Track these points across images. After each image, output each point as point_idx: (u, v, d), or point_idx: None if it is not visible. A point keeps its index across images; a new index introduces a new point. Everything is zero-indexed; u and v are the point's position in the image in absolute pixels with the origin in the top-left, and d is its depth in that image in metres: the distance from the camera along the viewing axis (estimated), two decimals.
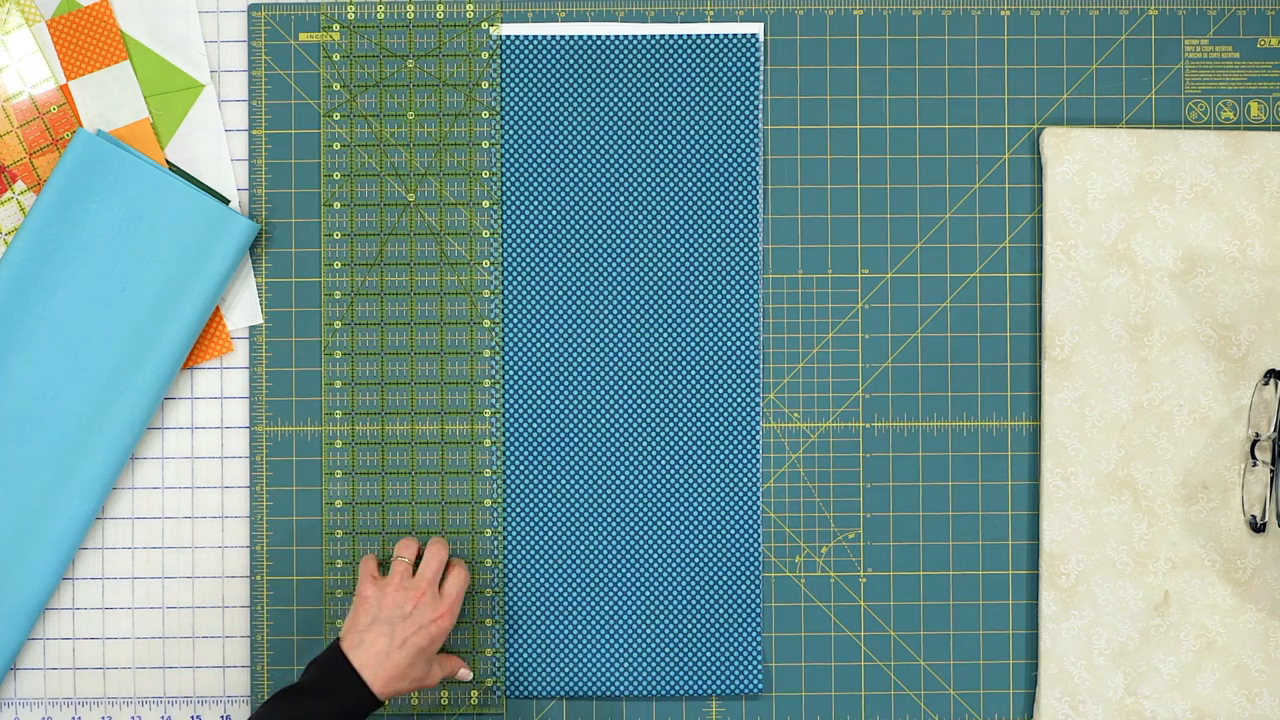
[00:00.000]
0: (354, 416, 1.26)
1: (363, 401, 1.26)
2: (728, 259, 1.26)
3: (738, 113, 1.26)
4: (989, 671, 1.26)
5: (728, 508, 1.25)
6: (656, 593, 1.25)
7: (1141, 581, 1.24)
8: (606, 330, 1.25)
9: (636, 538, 1.25)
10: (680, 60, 1.26)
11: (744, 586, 1.25)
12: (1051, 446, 1.24)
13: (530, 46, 1.26)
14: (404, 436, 1.26)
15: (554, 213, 1.26)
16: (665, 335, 1.26)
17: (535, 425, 1.25)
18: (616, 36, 1.26)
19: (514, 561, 1.25)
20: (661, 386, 1.25)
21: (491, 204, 1.26)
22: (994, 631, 1.26)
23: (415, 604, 1.15)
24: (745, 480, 1.25)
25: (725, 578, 1.25)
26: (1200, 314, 1.24)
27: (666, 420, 1.25)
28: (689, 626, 1.25)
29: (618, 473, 1.25)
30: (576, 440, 1.25)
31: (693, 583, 1.25)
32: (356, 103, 1.26)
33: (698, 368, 1.25)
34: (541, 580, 1.25)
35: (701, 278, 1.26)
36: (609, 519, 1.25)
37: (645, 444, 1.25)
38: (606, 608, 1.25)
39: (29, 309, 1.22)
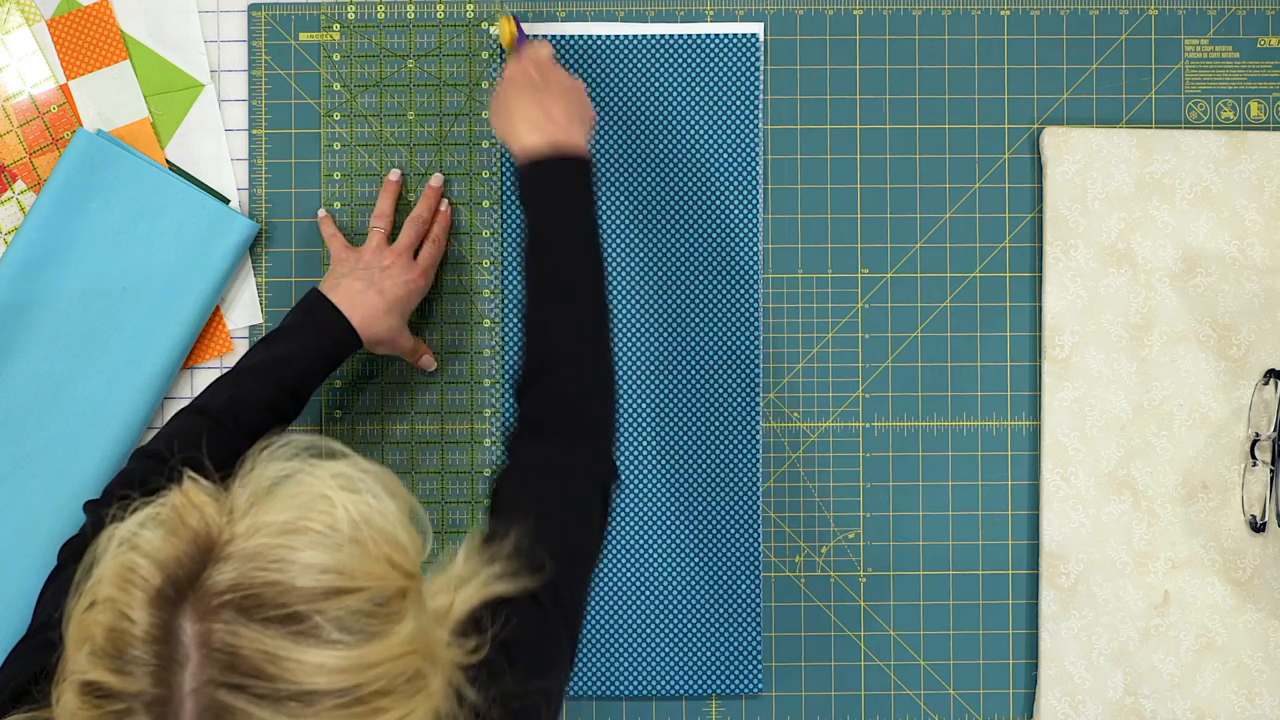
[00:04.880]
0: (354, 416, 1.26)
1: (362, 401, 1.26)
2: (728, 258, 1.26)
3: (738, 113, 1.26)
4: (989, 671, 1.26)
5: (727, 507, 1.25)
6: (656, 592, 1.25)
7: (1141, 581, 1.24)
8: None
9: (636, 537, 1.25)
10: (680, 60, 1.26)
11: (744, 586, 1.25)
12: (1051, 446, 1.24)
13: None
14: (404, 436, 1.26)
15: None
16: (665, 335, 1.26)
17: None
18: (616, 36, 1.26)
19: None
20: (662, 386, 1.25)
21: (491, 204, 1.26)
22: (994, 631, 1.26)
23: (391, 262, 1.18)
24: (745, 480, 1.25)
25: (725, 577, 1.25)
26: (1200, 314, 1.24)
27: (666, 419, 1.25)
28: (689, 626, 1.25)
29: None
30: None
31: (693, 582, 1.25)
32: (356, 103, 1.26)
33: (698, 367, 1.25)
34: None
35: (702, 277, 1.25)
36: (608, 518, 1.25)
37: (645, 443, 1.25)
38: (606, 607, 1.25)
39: (29, 309, 1.22)
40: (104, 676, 0.71)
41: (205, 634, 0.70)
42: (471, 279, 1.26)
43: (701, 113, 1.26)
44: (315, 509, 0.74)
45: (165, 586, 0.71)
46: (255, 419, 1.07)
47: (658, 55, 1.26)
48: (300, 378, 1.11)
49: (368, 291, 1.15)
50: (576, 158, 1.09)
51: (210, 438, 1.03)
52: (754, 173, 1.26)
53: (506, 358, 1.26)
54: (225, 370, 1.12)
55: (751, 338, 1.25)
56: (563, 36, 1.26)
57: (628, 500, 1.25)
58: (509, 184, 1.26)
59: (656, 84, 1.26)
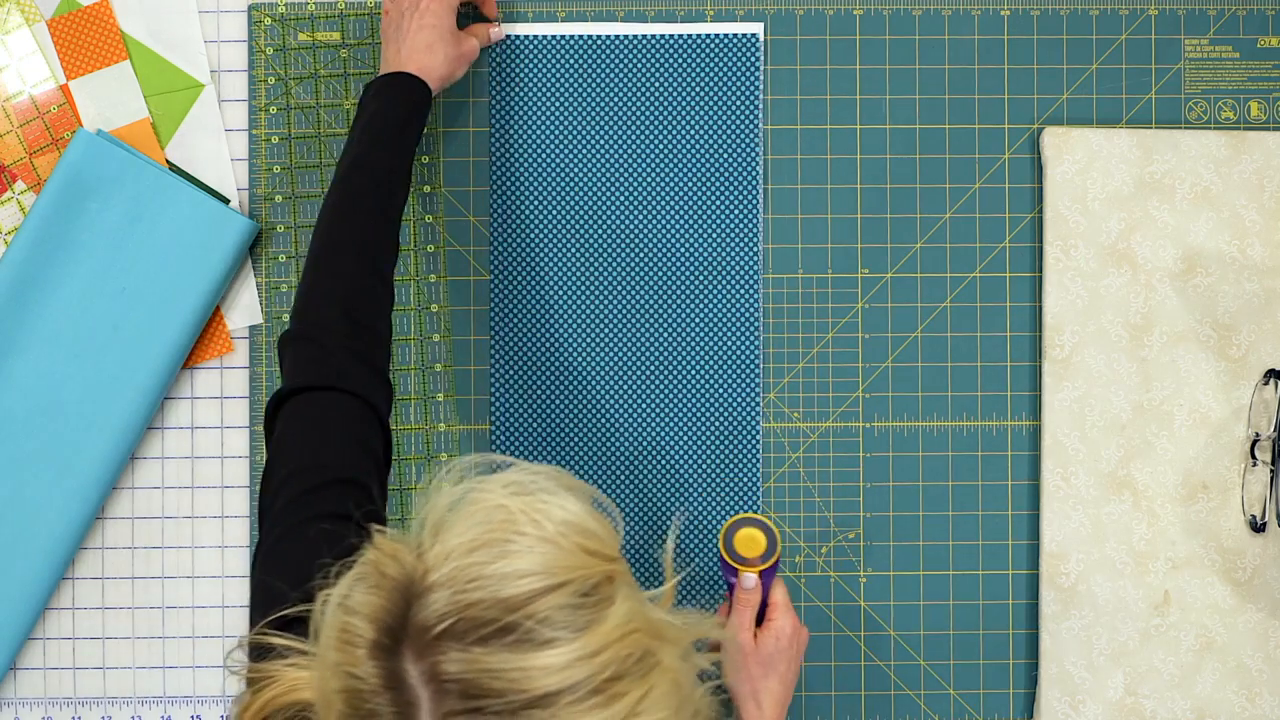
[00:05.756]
0: None
1: None
2: (728, 258, 1.26)
3: (738, 113, 1.26)
4: (989, 671, 1.26)
5: (728, 508, 1.25)
6: None
7: (1141, 581, 1.24)
8: (607, 331, 1.25)
9: (635, 538, 1.25)
10: (680, 60, 1.26)
11: None
12: (1051, 446, 1.24)
13: (530, 46, 1.26)
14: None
15: (555, 213, 1.26)
16: (666, 335, 1.26)
17: (532, 425, 1.25)
18: (616, 36, 1.26)
19: None
20: (661, 386, 1.25)
21: (432, 189, 1.26)
22: (994, 631, 1.26)
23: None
24: (745, 480, 1.25)
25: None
26: (1200, 314, 1.24)
27: (666, 420, 1.25)
28: None
29: (616, 473, 1.25)
30: (575, 440, 1.25)
31: (695, 583, 1.25)
32: (292, 96, 1.26)
33: (698, 367, 1.25)
34: None
35: (702, 278, 1.25)
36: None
37: (645, 444, 1.25)
38: None
39: (29, 309, 1.22)
40: None
41: (429, 670, 0.72)
42: (416, 267, 1.26)
43: (701, 113, 1.26)
44: (495, 520, 0.76)
45: (380, 637, 0.73)
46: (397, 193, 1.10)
47: (657, 55, 1.26)
48: (409, 135, 1.12)
49: (407, 35, 1.15)
50: None
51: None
52: (754, 173, 1.26)
53: (504, 358, 1.25)
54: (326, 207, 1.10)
55: (751, 338, 1.25)
56: (563, 37, 1.26)
57: (627, 501, 1.25)
58: (509, 184, 1.26)
59: (656, 84, 1.26)
